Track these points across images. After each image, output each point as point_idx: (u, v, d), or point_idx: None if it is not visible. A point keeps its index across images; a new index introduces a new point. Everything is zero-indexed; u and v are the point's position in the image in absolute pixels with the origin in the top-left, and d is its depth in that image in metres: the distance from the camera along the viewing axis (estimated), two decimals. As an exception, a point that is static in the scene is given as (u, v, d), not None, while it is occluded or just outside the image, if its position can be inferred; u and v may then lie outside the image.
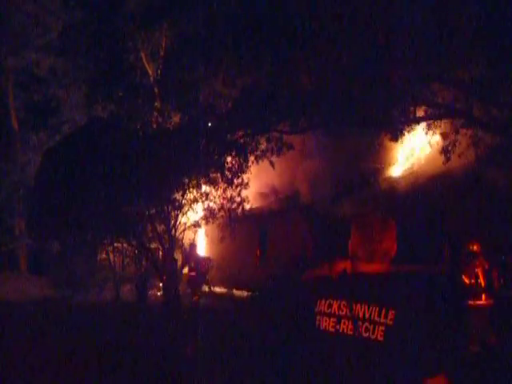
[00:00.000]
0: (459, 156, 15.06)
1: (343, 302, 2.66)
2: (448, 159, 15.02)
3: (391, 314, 2.57)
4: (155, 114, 16.62)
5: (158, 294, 20.46)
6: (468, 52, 13.21)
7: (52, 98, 27.01)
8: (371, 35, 12.65)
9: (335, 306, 2.69)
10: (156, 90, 17.33)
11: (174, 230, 17.00)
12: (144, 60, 18.67)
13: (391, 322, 2.56)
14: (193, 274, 15.03)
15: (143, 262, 20.90)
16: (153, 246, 18.65)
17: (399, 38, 12.76)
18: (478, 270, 10.57)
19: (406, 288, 2.65)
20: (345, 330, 2.64)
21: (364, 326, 2.60)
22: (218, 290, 21.27)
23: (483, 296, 10.55)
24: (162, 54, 17.72)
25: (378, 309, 2.59)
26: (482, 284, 10.49)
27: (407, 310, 2.57)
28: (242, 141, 15.50)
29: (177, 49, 15.33)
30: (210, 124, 15.33)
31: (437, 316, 2.65)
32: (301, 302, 3.01)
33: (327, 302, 2.72)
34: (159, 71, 17.88)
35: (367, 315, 2.61)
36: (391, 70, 13.55)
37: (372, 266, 2.74)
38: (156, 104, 17.38)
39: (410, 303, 2.60)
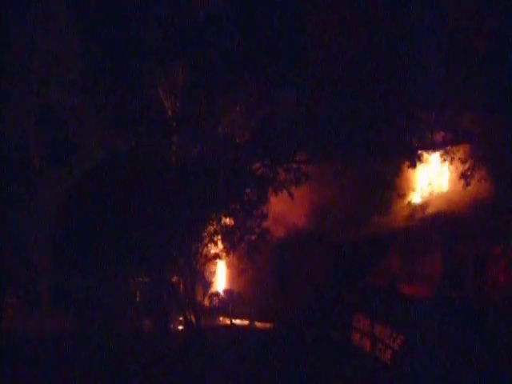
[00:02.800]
0: (478, 181, 15.03)
1: (367, 321, 2.67)
2: (468, 184, 14.99)
3: (400, 339, 2.52)
4: (174, 148, 16.82)
5: (180, 327, 20.39)
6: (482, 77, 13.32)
7: (73, 135, 27.45)
8: (391, 63, 12.83)
9: (362, 321, 2.69)
10: (174, 124, 17.54)
11: (194, 263, 17.03)
12: (162, 95, 18.95)
13: (398, 348, 2.51)
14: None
15: (164, 296, 20.88)
16: (174, 279, 18.66)
17: (415, 67, 12.91)
18: None
19: (420, 313, 2.60)
20: (364, 346, 2.66)
21: (378, 347, 2.60)
22: (239, 321, 21.15)
23: None
24: (179, 88, 17.97)
25: (389, 331, 2.55)
26: None
27: (415, 337, 2.48)
28: (260, 172, 15.60)
29: (194, 83, 15.59)
30: (228, 156, 15.48)
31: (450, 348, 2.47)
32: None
33: (357, 317, 2.74)
34: (177, 105, 18.11)
35: (382, 336, 2.59)
36: (408, 98, 13.67)
37: (410, 287, 2.70)
38: (175, 138, 17.57)
39: (419, 330, 2.50)
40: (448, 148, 15.17)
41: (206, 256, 17.32)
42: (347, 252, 17.51)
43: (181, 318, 18.99)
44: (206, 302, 20.81)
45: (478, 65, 13.63)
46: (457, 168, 15.29)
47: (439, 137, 15.30)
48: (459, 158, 15.08)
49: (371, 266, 15.96)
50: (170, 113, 19.14)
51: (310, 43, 11.07)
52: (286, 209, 19.13)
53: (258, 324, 21.07)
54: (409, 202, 17.09)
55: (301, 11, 11.07)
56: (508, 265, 16.97)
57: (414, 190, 17.31)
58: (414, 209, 16.67)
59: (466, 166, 14.73)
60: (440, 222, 15.60)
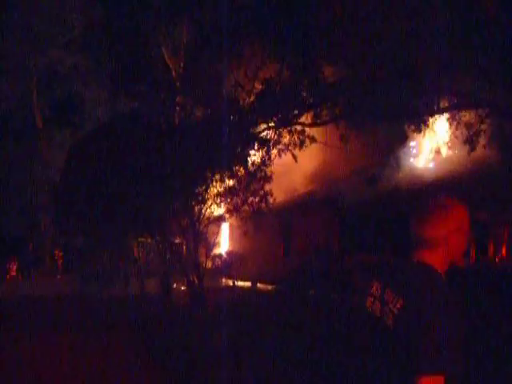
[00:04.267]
0: (484, 147, 14.86)
1: (380, 285, 2.66)
2: (473, 149, 14.82)
3: (399, 303, 2.51)
4: (178, 108, 16.65)
5: (182, 288, 20.56)
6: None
7: (75, 95, 27.26)
8: (396, 29, 12.53)
9: (375, 286, 2.70)
10: (178, 84, 17.37)
11: (197, 224, 17.04)
12: (166, 55, 18.73)
13: (397, 312, 2.51)
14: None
15: (167, 257, 21.01)
16: (177, 240, 18.73)
17: (424, 31, 12.61)
18: None
19: (420, 277, 2.55)
20: (375, 311, 2.64)
21: (385, 311, 2.57)
22: (241, 283, 21.32)
23: None
24: (183, 48, 17.76)
25: (393, 295, 2.55)
26: None
27: (413, 302, 2.46)
28: (264, 134, 15.44)
29: (198, 42, 15.33)
30: (232, 118, 15.31)
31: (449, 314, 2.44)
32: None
33: (372, 282, 2.73)
34: (181, 65, 17.92)
35: (389, 300, 2.57)
36: (415, 61, 13.40)
37: (430, 253, 2.62)
38: (178, 98, 17.41)
39: (419, 294, 2.47)
40: (454, 112, 14.94)
41: (209, 218, 17.31)
42: (352, 216, 17.50)
43: (184, 280, 19.14)
44: (209, 264, 20.94)
45: (486, 29, 13.32)
46: (462, 133, 15.10)
47: (445, 101, 15.07)
48: (465, 123, 14.87)
49: (379, 232, 15.99)
50: (173, 73, 18.98)
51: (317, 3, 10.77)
52: (290, 172, 19.10)
53: (260, 286, 21.27)
54: (415, 167, 17.01)
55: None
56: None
57: (419, 155, 17.20)
58: (420, 174, 16.58)
59: (472, 131, 14.52)
60: (448, 187, 15.53)
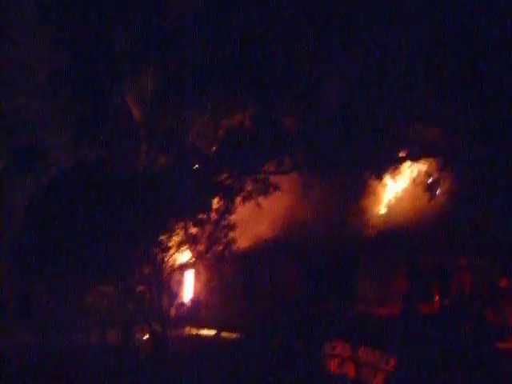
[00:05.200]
0: (443, 194, 15.22)
1: (347, 345, 2.66)
2: (433, 197, 15.17)
3: (393, 360, 2.52)
4: (142, 156, 16.71)
5: (145, 337, 20.14)
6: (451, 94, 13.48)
7: (40, 141, 27.04)
8: (357, 77, 12.91)
9: (339, 347, 2.68)
10: (142, 132, 17.46)
11: (161, 273, 16.88)
12: (130, 103, 18.82)
13: (392, 369, 2.51)
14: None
15: (130, 306, 20.63)
16: (140, 289, 18.44)
17: (386, 81, 13.02)
18: (508, 309, 9.56)
19: (411, 333, 2.60)
20: (348, 372, 2.66)
21: (366, 371, 2.59)
22: (206, 331, 21.00)
23: None
24: (148, 97, 17.90)
25: (380, 354, 2.54)
26: (511, 324, 9.39)
27: (410, 357, 2.49)
28: (228, 182, 15.57)
29: (163, 92, 15.51)
30: (196, 166, 15.42)
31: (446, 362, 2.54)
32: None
33: (332, 344, 2.73)
34: (146, 113, 18.02)
35: (370, 359, 2.58)
36: (375, 112, 13.77)
37: (383, 309, 2.71)
38: (142, 147, 17.47)
39: (413, 349, 2.51)
40: (414, 161, 15.35)
41: (172, 266, 17.17)
42: (315, 264, 17.58)
43: (147, 329, 18.77)
44: (173, 312, 20.60)
45: (445, 80, 13.80)
46: (422, 181, 15.47)
47: (406, 150, 15.46)
48: (425, 172, 15.27)
49: (338, 284, 16.07)
50: (138, 121, 19.05)
51: (279, 56, 11.07)
52: (253, 219, 19.13)
53: (224, 334, 20.95)
54: (376, 215, 17.23)
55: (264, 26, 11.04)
56: (473, 276, 17.22)
57: (380, 203, 17.46)
58: (381, 221, 16.81)
59: (431, 179, 14.91)
60: (406, 235, 15.75)
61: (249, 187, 15.74)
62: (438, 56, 12.68)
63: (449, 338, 11.74)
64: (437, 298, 17.47)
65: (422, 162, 15.46)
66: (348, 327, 2.37)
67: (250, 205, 16.49)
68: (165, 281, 17.36)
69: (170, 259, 16.94)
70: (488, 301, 10.27)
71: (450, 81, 13.56)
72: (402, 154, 15.28)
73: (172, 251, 16.62)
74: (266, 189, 15.60)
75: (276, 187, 15.75)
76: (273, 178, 15.73)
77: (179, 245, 16.47)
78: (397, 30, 12.55)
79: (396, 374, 2.05)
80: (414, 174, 15.61)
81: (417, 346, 2.14)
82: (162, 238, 16.26)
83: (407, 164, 15.74)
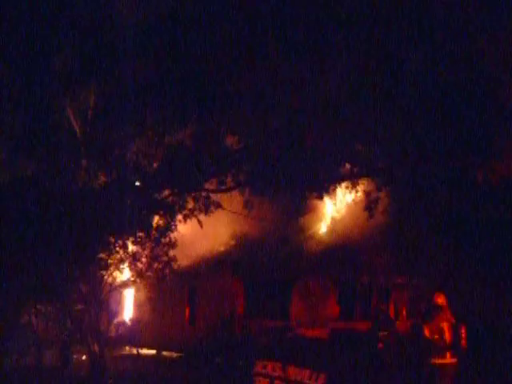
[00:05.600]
0: (382, 213, 15.54)
1: (278, 364, 2.72)
2: (371, 216, 15.46)
3: (322, 377, 2.59)
4: (82, 172, 16.36)
5: (83, 357, 19.65)
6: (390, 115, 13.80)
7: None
8: (297, 97, 13.06)
9: (270, 367, 2.74)
10: (82, 148, 17.10)
11: (99, 291, 16.52)
12: (72, 118, 18.46)
13: None
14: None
15: (68, 325, 20.10)
16: (78, 307, 17.99)
17: (322, 102, 13.20)
18: (444, 325, 9.82)
19: (338, 353, 2.72)
20: None
21: None
22: (146, 351, 20.68)
23: (448, 354, 9.68)
24: (90, 112, 17.60)
25: (309, 372, 2.62)
26: (448, 340, 9.68)
27: (337, 375, 2.60)
28: (169, 200, 15.44)
29: (103, 107, 15.30)
30: (137, 183, 15.23)
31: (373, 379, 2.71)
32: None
33: (263, 363, 2.78)
34: (87, 129, 17.70)
35: (299, 378, 2.64)
36: (315, 132, 13.96)
37: (314, 331, 2.80)
38: (83, 162, 17.12)
39: (340, 368, 2.63)
40: (353, 181, 15.62)
41: (111, 284, 16.84)
42: (256, 282, 17.63)
43: (85, 349, 18.32)
44: (112, 331, 20.19)
45: (385, 100, 14.09)
46: (361, 200, 15.76)
47: (345, 169, 15.73)
48: (364, 191, 15.55)
49: (274, 303, 16.15)
50: (79, 136, 18.67)
51: (214, 77, 11.11)
52: (195, 237, 19.03)
53: (165, 354, 20.68)
54: (316, 234, 17.46)
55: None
56: (411, 295, 17.61)
57: (321, 222, 17.72)
58: (321, 240, 17.02)
59: (370, 198, 15.19)
60: (345, 254, 16.01)
61: (190, 205, 15.65)
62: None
63: (379, 355, 11.96)
64: (372, 315, 17.78)
65: (362, 181, 15.76)
66: (278, 347, 2.40)
67: (191, 222, 16.39)
68: (104, 299, 17.00)
69: (110, 277, 16.62)
70: (424, 317, 10.49)
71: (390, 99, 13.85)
72: (342, 174, 15.53)
73: (111, 269, 16.32)
74: (207, 207, 15.54)
75: (217, 205, 15.71)
76: (214, 196, 15.70)
77: (119, 263, 16.19)
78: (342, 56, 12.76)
79: None
80: (354, 193, 15.87)
81: (347, 361, 2.18)
82: (102, 255, 15.95)
83: (347, 183, 16.01)
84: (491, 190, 12.41)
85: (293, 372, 2.67)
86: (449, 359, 9.71)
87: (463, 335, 9.97)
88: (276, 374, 2.72)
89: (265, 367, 2.78)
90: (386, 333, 14.05)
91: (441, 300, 9.93)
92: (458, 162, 12.15)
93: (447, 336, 9.75)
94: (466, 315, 11.66)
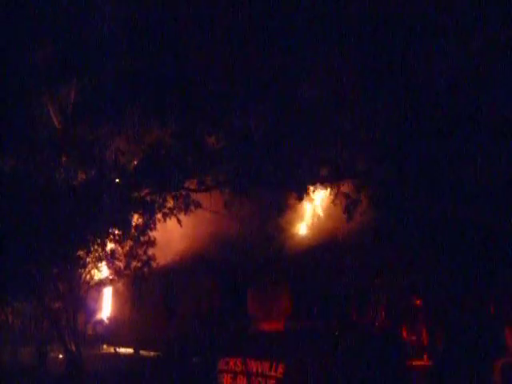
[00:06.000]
0: (361, 214, 15.62)
1: (239, 360, 2.91)
2: (350, 217, 15.53)
3: (281, 367, 2.81)
4: (61, 169, 16.24)
5: (60, 356, 19.51)
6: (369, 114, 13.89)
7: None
8: (275, 98, 13.11)
9: (232, 362, 2.93)
10: (62, 145, 16.98)
11: (77, 289, 16.43)
12: (52, 114, 18.33)
13: (281, 376, 2.82)
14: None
15: (45, 323, 19.96)
16: (55, 305, 17.86)
17: (301, 104, 13.26)
18: (421, 327, 9.94)
19: (295, 343, 2.92)
20: None
21: (257, 381, 2.84)
22: (124, 350, 20.59)
23: (425, 355, 9.82)
24: (70, 108, 17.49)
25: (269, 363, 2.83)
26: (424, 342, 9.81)
27: (295, 364, 2.82)
28: (148, 198, 15.39)
29: (83, 104, 15.22)
30: (115, 181, 15.16)
31: (329, 369, 2.93)
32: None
33: (225, 360, 2.98)
34: (67, 126, 17.58)
35: (260, 370, 2.84)
36: (296, 132, 14.01)
37: (269, 325, 3.02)
38: (62, 159, 17.00)
39: (298, 357, 2.84)
40: (333, 182, 15.68)
41: (89, 282, 16.75)
42: (233, 282, 17.61)
43: (62, 347, 18.20)
44: (90, 330, 20.09)
45: (364, 101, 14.18)
46: (341, 202, 15.81)
47: (325, 171, 15.78)
48: (343, 193, 15.60)
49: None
50: (59, 133, 18.53)
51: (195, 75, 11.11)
52: (174, 236, 18.99)
53: (143, 352, 20.60)
54: (296, 235, 17.52)
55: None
56: (389, 296, 17.74)
57: (301, 223, 17.77)
58: (301, 241, 17.08)
59: (350, 200, 15.26)
60: (324, 254, 16.06)
61: (170, 204, 15.62)
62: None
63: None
64: (353, 316, 17.88)
65: (341, 183, 15.82)
66: (239, 343, 2.54)
67: (171, 222, 16.35)
68: (81, 298, 16.90)
69: (87, 275, 16.53)
70: (402, 319, 10.63)
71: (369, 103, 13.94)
72: (321, 175, 15.59)
73: (89, 267, 16.23)
74: (187, 206, 15.52)
75: (197, 204, 15.70)
76: (194, 196, 15.68)
77: (97, 261, 16.11)
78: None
79: (285, 378, 2.25)
80: (333, 195, 15.93)
81: (302, 353, 2.39)
82: (80, 253, 15.86)
83: (327, 185, 16.07)
84: (470, 190, 12.55)
85: (254, 365, 2.85)
86: (425, 361, 9.85)
87: (439, 337, 10.13)
88: (238, 368, 2.89)
89: (227, 364, 2.95)
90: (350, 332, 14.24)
91: (418, 303, 10.08)
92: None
93: (424, 338, 9.88)
94: (442, 317, 11.81)
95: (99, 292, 18.09)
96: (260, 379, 2.83)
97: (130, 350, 20.96)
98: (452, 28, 10.58)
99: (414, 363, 9.82)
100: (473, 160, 12.12)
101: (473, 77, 11.13)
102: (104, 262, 16.37)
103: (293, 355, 2.85)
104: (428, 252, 14.78)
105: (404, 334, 10.01)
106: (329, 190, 15.79)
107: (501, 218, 11.90)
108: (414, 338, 9.98)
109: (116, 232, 15.56)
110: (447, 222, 15.02)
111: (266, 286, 3.11)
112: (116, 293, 20.31)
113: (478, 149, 11.42)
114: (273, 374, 2.82)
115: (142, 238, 15.89)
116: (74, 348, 16.50)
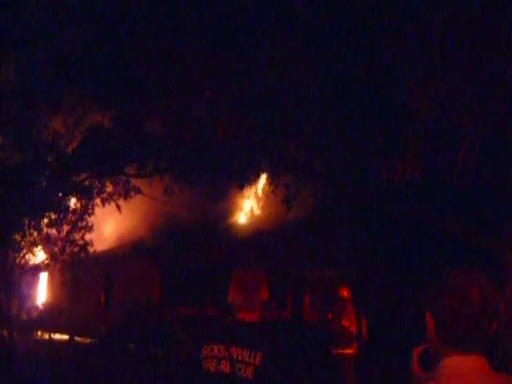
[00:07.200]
0: (300, 206, 15.79)
1: (222, 346, 3.16)
2: (289, 209, 15.65)
3: (259, 355, 3.07)
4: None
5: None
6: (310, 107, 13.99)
7: None
8: (222, 89, 13.03)
9: (216, 349, 3.17)
10: (-2, 125, 16.48)
11: (10, 274, 16.03)
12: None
13: (259, 363, 3.07)
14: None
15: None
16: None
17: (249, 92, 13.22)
18: (351, 317, 10.29)
19: (272, 333, 3.22)
20: (224, 369, 3.14)
21: (238, 366, 3.09)
22: (59, 337, 20.25)
23: (355, 344, 10.21)
24: (7, 88, 16.95)
25: (248, 352, 3.09)
26: (354, 331, 10.16)
27: (272, 352, 3.09)
28: (87, 182, 15.13)
29: (21, 84, 14.75)
30: (52, 164, 14.81)
31: (302, 358, 3.20)
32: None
33: (209, 346, 3.21)
34: (3, 106, 17.06)
35: (240, 357, 3.10)
36: (240, 122, 13.98)
37: (249, 315, 3.26)
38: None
39: (274, 346, 3.12)
40: (274, 173, 15.75)
41: (23, 267, 16.36)
42: (175, 267, 17.59)
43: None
44: (23, 316, 19.63)
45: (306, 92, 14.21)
46: (281, 192, 15.91)
47: (267, 161, 15.82)
48: (283, 184, 15.69)
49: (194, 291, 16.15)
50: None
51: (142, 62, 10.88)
52: (113, 221, 18.78)
53: (78, 339, 20.33)
54: (235, 223, 17.57)
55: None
56: (325, 287, 18.07)
57: (241, 211, 17.84)
58: (240, 230, 17.15)
59: (289, 191, 15.36)
60: (262, 244, 16.20)
61: (109, 189, 15.41)
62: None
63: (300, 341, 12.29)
64: (290, 305, 18.17)
65: (282, 174, 15.90)
66: (222, 331, 2.73)
67: (110, 207, 16.14)
68: (15, 283, 16.50)
69: (22, 260, 16.15)
70: (331, 310, 10.95)
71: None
72: (263, 165, 15.64)
73: (24, 251, 15.86)
74: (126, 191, 15.35)
75: (137, 190, 15.55)
76: (135, 181, 15.52)
77: (32, 245, 15.76)
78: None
79: (262, 366, 2.48)
80: (274, 185, 16.02)
81: (277, 343, 2.67)
82: (14, 236, 15.47)
83: (267, 175, 16.16)
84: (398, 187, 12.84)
85: (235, 351, 3.13)
86: (354, 349, 10.22)
87: (364, 326, 10.50)
88: (221, 354, 3.16)
89: (211, 350, 3.20)
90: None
91: (345, 293, 10.42)
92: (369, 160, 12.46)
93: (353, 327, 10.23)
94: (367, 308, 12.17)
95: (34, 277, 17.68)
96: (241, 365, 3.10)
97: (65, 337, 20.64)
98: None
99: (342, 351, 10.17)
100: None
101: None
102: (40, 247, 16.03)
103: (269, 345, 3.12)
104: (361, 245, 15.13)
105: (345, 323, 10.36)
106: (269, 180, 15.86)
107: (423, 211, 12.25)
108: (346, 326, 10.32)
109: (53, 216, 15.23)
110: (380, 218, 15.40)
111: (249, 279, 3.30)
112: (52, 278, 19.93)
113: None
114: (252, 361, 3.09)
115: (79, 223, 15.63)
116: (6, 334, 16.12)
